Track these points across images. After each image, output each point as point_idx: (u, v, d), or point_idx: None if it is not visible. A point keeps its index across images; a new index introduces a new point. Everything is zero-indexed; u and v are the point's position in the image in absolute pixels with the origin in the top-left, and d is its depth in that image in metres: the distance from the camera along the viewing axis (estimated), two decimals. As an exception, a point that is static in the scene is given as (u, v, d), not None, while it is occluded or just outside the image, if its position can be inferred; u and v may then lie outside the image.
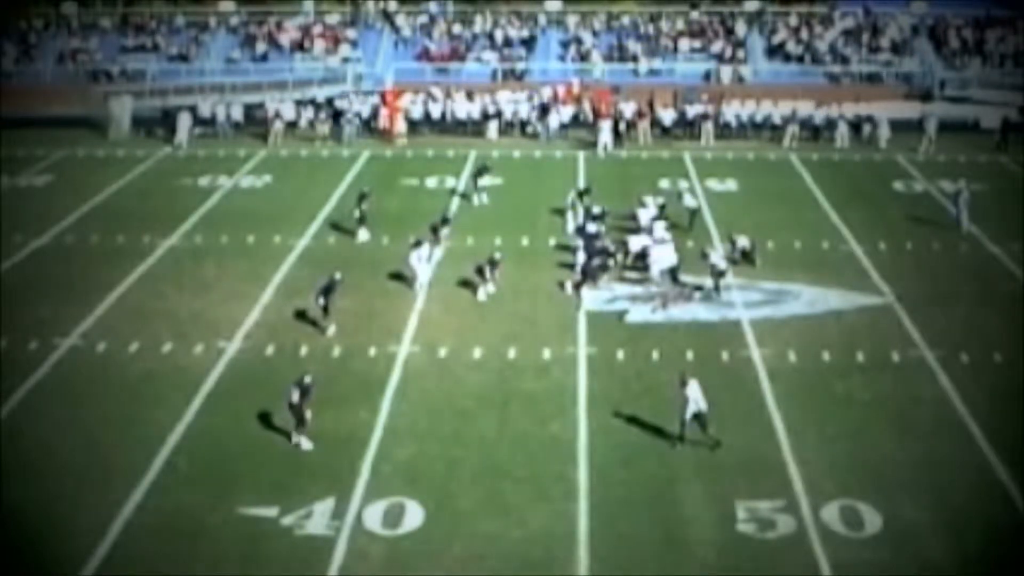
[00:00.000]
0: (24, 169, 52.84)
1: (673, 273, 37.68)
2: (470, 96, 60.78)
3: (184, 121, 57.72)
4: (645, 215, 41.30)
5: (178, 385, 30.58)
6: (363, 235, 42.06)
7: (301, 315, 34.97)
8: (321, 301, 33.82)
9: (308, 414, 27.43)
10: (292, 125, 58.92)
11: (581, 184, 47.09)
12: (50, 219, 44.73)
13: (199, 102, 60.76)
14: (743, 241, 39.20)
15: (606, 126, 56.18)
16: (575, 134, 58.16)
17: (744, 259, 38.75)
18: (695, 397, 26.85)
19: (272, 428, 28.19)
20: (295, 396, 27.44)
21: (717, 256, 37.65)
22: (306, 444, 27.36)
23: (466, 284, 37.38)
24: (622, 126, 57.31)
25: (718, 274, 36.85)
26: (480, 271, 36.95)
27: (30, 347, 33.01)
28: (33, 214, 45.46)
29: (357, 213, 42.37)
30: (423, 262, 37.35)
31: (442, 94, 61.37)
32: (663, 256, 38.00)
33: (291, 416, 27.57)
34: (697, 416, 26.85)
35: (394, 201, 46.58)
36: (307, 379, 27.80)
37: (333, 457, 26.86)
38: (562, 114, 59.22)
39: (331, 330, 33.78)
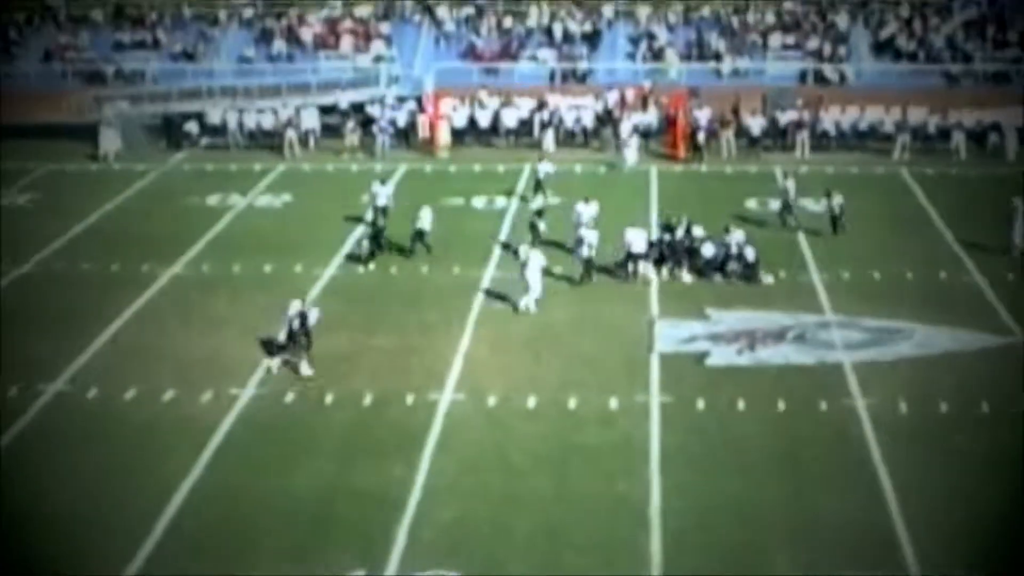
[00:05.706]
0: (4, 186, 53.59)
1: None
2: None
3: (106, 131, 58.26)
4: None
5: (183, 438, 30.94)
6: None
7: (327, 357, 35.12)
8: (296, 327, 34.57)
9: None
10: (307, 137, 59.50)
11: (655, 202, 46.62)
12: (34, 244, 45.38)
13: (207, 108, 61.48)
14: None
15: (633, 142, 56.77)
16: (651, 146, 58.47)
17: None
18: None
19: (294, 487, 28.52)
20: (296, 324, 34.16)
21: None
22: (306, 370, 33.84)
23: (518, 321, 37.76)
24: (700, 137, 57.57)
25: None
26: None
27: (9, 394, 33.39)
28: (14, 238, 46.05)
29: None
30: (538, 272, 37.98)
31: (491, 99, 61.78)
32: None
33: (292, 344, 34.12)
34: None
35: (436, 224, 46.78)
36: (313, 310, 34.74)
37: (364, 520, 27.11)
38: (634, 120, 59.60)
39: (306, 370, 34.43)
